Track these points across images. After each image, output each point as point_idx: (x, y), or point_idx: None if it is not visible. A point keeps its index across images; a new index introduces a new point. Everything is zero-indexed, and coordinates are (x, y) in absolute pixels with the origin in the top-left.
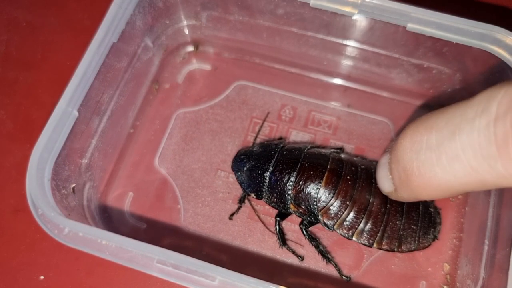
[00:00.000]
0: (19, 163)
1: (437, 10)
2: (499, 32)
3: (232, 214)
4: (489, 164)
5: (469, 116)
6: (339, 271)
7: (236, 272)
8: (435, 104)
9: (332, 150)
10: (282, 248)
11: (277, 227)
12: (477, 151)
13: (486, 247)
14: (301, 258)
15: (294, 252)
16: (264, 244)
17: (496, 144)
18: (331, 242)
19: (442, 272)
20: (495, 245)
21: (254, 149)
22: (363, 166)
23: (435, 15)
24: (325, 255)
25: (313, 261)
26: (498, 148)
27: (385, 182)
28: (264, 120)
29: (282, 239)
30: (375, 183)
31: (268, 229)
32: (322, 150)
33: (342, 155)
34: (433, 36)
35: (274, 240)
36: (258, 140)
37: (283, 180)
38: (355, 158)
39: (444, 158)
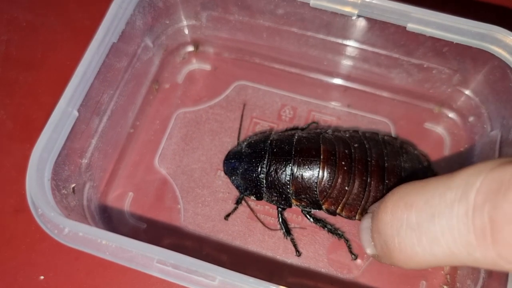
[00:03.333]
0: (19, 163)
1: (437, 10)
2: (499, 32)
3: (228, 215)
4: (468, 251)
5: (448, 200)
6: (349, 246)
7: (236, 272)
8: (435, 104)
9: (322, 132)
10: (286, 238)
11: (280, 217)
12: (456, 238)
13: None
14: (299, 253)
15: (295, 246)
16: (264, 244)
17: (475, 234)
18: (330, 242)
19: (442, 272)
20: None
21: (243, 150)
22: (356, 145)
23: (435, 15)
24: (335, 232)
25: (313, 261)
26: (477, 238)
27: (367, 247)
28: (242, 114)
29: (286, 229)
30: (371, 160)
31: (268, 227)
32: (311, 137)
33: (331, 132)
34: (433, 36)
35: (274, 240)
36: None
37: (281, 180)
38: (347, 135)
39: (425, 240)
